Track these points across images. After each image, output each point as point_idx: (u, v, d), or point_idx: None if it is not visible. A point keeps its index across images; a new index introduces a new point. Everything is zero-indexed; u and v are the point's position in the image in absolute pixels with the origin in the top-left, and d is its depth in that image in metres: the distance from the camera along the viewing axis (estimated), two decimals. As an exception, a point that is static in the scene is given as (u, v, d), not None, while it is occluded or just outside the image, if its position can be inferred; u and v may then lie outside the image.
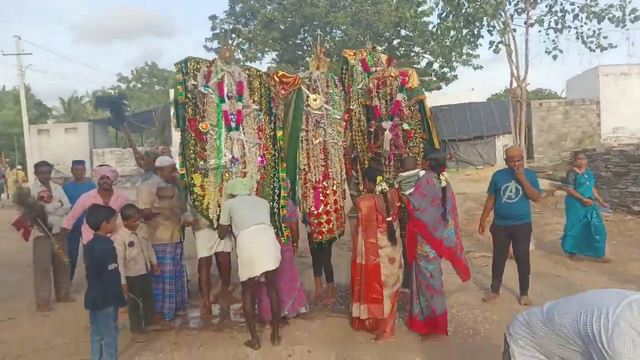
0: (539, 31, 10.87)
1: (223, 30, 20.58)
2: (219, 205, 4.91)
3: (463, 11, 10.60)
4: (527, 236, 5.54)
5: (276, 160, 5.34)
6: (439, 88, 21.76)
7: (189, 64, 4.97)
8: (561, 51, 11.06)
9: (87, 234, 5.21)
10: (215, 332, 4.78)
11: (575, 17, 9.97)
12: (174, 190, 5.25)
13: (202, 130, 4.89)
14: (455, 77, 21.59)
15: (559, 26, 10.32)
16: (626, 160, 10.48)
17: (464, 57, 19.56)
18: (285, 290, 4.83)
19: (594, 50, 10.32)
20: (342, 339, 4.46)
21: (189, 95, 4.92)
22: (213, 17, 20.52)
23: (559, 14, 10.27)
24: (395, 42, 22.01)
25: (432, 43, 18.56)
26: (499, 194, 5.38)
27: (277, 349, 4.29)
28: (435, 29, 12.01)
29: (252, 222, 4.39)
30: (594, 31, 10.19)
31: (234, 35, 5.21)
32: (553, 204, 11.49)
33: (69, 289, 6.04)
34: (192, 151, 4.96)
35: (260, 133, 5.25)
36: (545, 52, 11.00)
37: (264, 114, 5.33)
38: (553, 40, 11.05)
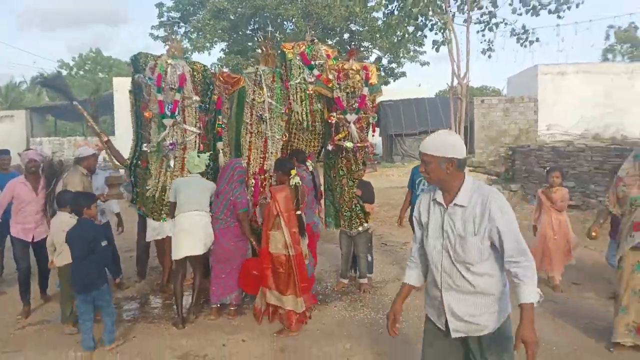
0: (477, 31, 11.32)
1: (169, 19, 20.14)
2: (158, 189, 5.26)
3: (407, 8, 10.92)
4: None
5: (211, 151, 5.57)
6: (387, 83, 22.14)
7: (139, 57, 5.33)
8: (493, 50, 11.63)
9: (15, 226, 5.09)
10: (150, 323, 4.77)
11: (514, 11, 10.55)
12: (120, 179, 5.57)
13: (145, 117, 5.18)
14: (404, 73, 22.05)
15: (494, 23, 10.87)
16: (557, 156, 11.09)
17: (411, 53, 19.97)
18: (233, 279, 4.89)
19: (525, 46, 10.92)
20: (280, 328, 4.55)
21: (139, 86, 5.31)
22: (160, 5, 20.03)
23: (495, 11, 10.81)
24: (345, 36, 22.22)
25: (379, 38, 18.97)
26: (415, 187, 5.64)
27: (213, 337, 4.36)
28: (382, 24, 12.33)
29: (189, 207, 4.74)
30: (524, 27, 10.80)
31: (180, 34, 5.20)
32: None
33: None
34: (146, 135, 5.33)
35: (200, 123, 5.41)
36: (481, 52, 11.56)
37: (205, 107, 5.52)
38: (488, 40, 11.60)
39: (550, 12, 11.12)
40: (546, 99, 21.26)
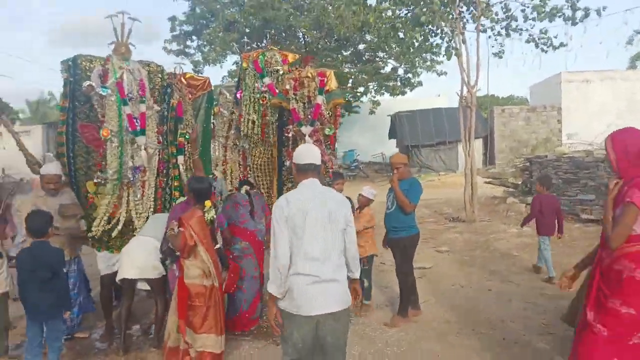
0: (489, 37, 10.76)
1: (182, 33, 20.17)
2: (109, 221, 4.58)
3: (413, 14, 10.51)
4: (404, 251, 5.01)
5: (169, 165, 5.01)
6: (404, 93, 21.66)
7: (79, 62, 4.60)
8: (503, 52, 11.03)
9: None
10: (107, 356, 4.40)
11: (526, 18, 9.95)
12: (79, 209, 4.74)
13: (103, 137, 4.42)
14: (420, 83, 21.53)
15: (508, 31, 10.30)
16: (576, 167, 10.42)
17: (428, 63, 19.48)
18: None
19: (545, 51, 10.30)
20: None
21: (81, 98, 4.57)
22: (172, 19, 20.11)
23: (508, 19, 10.24)
24: (360, 47, 21.88)
25: (395, 48, 18.53)
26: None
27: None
28: (388, 27, 11.93)
29: (144, 232, 4.41)
30: (541, 30, 10.17)
31: (129, 28, 4.75)
32: (504, 211, 11.39)
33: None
34: (83, 160, 4.65)
35: (160, 136, 4.82)
36: (493, 54, 10.98)
37: (163, 115, 4.90)
38: (500, 44, 11.02)
39: (566, 19, 10.47)
40: (570, 107, 20.44)
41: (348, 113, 25.06)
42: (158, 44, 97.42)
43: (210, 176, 5.33)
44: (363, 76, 21.09)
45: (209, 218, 3.94)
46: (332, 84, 5.26)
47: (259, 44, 20.12)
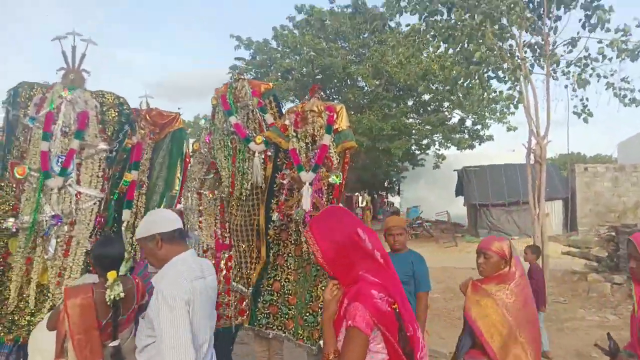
0: (565, 86, 8.96)
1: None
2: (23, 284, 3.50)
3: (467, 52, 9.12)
4: None
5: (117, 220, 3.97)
6: (472, 147, 19.89)
7: (19, 90, 3.72)
8: (589, 113, 9.19)
9: None
10: None
11: (604, 57, 8.15)
12: None
13: (17, 176, 3.53)
14: (491, 137, 19.74)
15: (583, 75, 8.51)
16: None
17: (498, 115, 17.77)
18: None
19: (627, 105, 8.42)
20: None
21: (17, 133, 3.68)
22: (233, 67, 20.02)
23: (583, 61, 8.49)
24: (425, 97, 20.59)
25: (459, 97, 17.12)
26: None
27: None
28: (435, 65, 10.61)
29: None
30: (623, 78, 8.30)
31: (83, 53, 4.05)
32: (583, 291, 9.26)
33: None
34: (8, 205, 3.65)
35: (106, 183, 3.79)
36: (574, 113, 9.17)
37: (112, 157, 3.87)
38: (582, 98, 9.25)
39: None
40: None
41: (412, 166, 23.61)
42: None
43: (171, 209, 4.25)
44: (427, 127, 19.68)
45: (110, 297, 2.75)
46: (343, 122, 4.12)
47: (322, 93, 19.53)
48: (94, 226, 3.69)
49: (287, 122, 4.03)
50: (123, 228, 3.93)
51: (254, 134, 4.32)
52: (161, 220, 2.47)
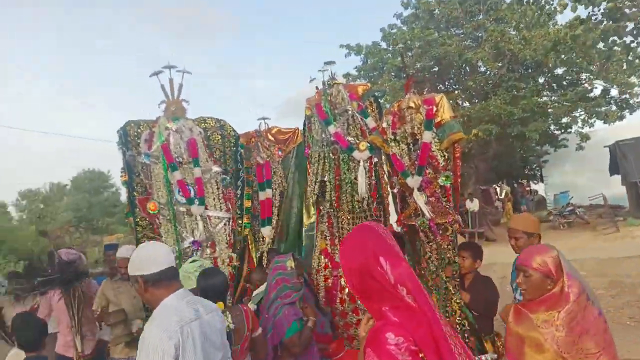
0: None
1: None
2: None
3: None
4: None
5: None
6: (622, 118, 17.35)
7: (127, 129, 3.91)
8: None
9: None
10: None
11: None
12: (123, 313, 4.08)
13: (150, 211, 3.79)
14: (643, 103, 17.06)
15: None
16: None
17: (648, 77, 15.28)
18: None
19: None
20: None
21: (136, 170, 3.87)
22: (347, 75, 19.98)
23: None
24: (559, 70, 18.51)
25: (600, 64, 15.12)
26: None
27: None
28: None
29: None
30: None
31: (180, 83, 4.25)
32: None
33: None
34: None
35: (228, 203, 3.93)
36: None
37: (230, 178, 4.02)
38: None
39: None
40: None
41: (554, 149, 21.42)
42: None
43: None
44: (565, 104, 17.64)
45: None
46: (446, 112, 3.75)
47: (439, 85, 18.66)
48: (234, 245, 3.88)
49: (384, 125, 3.74)
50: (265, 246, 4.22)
51: (357, 141, 4.11)
52: (146, 260, 2.22)
